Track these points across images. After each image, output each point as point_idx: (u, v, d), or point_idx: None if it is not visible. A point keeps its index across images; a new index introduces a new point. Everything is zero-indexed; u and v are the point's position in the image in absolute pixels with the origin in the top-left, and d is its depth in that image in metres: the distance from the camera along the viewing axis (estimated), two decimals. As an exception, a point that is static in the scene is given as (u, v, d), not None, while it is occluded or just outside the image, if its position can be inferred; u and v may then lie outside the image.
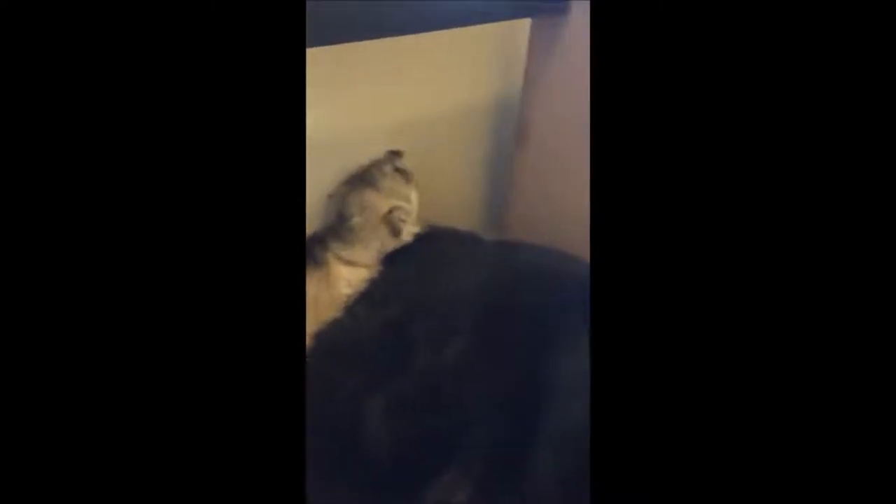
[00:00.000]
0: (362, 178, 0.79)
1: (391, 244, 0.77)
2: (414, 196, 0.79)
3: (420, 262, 0.76)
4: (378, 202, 0.77)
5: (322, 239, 0.77)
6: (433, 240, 0.79)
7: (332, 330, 0.69)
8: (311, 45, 0.67)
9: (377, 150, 0.83)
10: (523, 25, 0.85)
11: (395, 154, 0.81)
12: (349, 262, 0.76)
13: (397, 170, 0.79)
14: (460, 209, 0.91)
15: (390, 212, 0.77)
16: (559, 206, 0.89)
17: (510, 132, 0.95)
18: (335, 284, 0.74)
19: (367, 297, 0.71)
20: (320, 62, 0.71)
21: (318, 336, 0.69)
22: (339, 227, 0.77)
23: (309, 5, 0.39)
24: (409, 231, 0.78)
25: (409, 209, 0.78)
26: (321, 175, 0.79)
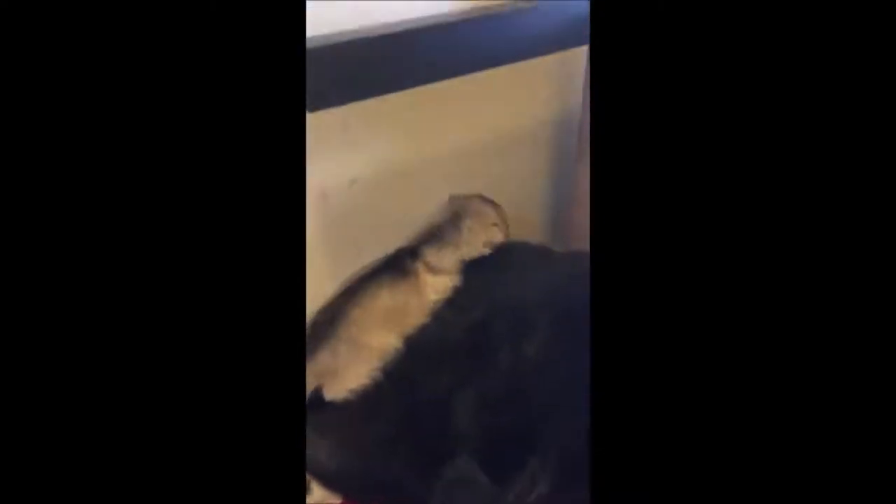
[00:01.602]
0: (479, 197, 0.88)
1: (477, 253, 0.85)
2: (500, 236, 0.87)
3: (498, 270, 0.83)
4: (489, 214, 0.86)
5: (413, 250, 0.83)
6: (509, 251, 0.86)
7: (422, 334, 0.76)
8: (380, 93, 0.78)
9: (444, 176, 0.93)
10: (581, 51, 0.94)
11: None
12: (435, 270, 0.82)
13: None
14: (529, 225, 0.99)
15: (494, 224, 0.85)
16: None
17: (572, 149, 1.03)
18: (423, 292, 0.80)
19: (452, 303, 0.78)
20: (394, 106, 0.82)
21: (409, 339, 0.76)
22: (446, 228, 0.85)
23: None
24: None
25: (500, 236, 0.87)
26: (399, 200, 0.90)
